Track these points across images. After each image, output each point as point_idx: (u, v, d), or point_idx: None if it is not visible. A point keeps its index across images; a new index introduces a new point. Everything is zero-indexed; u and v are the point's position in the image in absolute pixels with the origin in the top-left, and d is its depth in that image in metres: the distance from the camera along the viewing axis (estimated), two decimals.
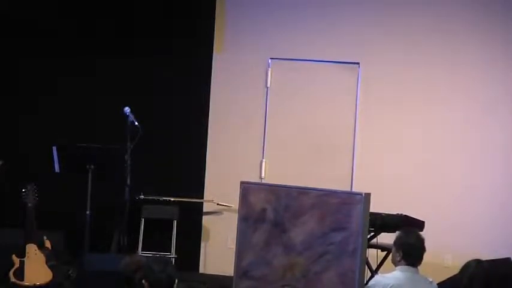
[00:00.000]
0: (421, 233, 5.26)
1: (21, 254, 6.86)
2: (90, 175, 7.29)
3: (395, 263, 5.10)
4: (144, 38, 8.55)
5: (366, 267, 6.19)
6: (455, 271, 4.14)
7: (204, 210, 8.58)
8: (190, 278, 7.99)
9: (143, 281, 3.82)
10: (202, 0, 8.63)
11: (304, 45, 8.41)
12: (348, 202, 5.52)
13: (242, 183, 6.04)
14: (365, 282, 5.55)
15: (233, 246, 6.09)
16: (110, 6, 8.58)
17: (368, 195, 5.56)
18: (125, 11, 8.60)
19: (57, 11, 8.59)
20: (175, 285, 3.88)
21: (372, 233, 6.82)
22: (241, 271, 5.91)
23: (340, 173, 8.24)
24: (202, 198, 8.52)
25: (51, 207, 7.81)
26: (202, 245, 8.56)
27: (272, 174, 8.36)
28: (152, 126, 7.86)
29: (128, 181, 7.29)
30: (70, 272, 7.14)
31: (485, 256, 4.20)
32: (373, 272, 6.72)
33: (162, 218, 8.21)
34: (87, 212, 7.23)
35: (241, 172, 7.99)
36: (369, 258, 6.50)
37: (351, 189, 8.08)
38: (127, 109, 7.41)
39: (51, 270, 6.89)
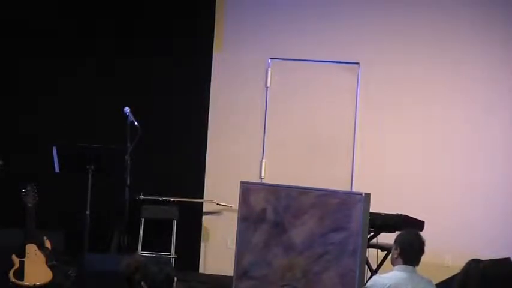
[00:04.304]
0: (421, 233, 5.24)
1: (21, 254, 6.85)
2: (90, 175, 7.29)
3: (393, 261, 5.10)
4: (144, 38, 8.55)
5: (366, 267, 6.19)
6: (455, 271, 4.12)
7: (204, 210, 8.58)
8: (190, 278, 7.99)
9: (142, 283, 3.82)
10: (202, 0, 8.62)
11: (304, 45, 8.41)
12: (348, 202, 5.53)
13: (242, 183, 6.05)
14: (365, 282, 5.55)
15: (233, 246, 6.10)
16: (110, 6, 8.59)
17: (368, 195, 5.57)
18: (124, 11, 8.60)
19: (57, 11, 8.60)
20: (174, 284, 3.88)
21: (372, 233, 6.82)
22: (241, 271, 5.91)
23: (340, 173, 8.24)
24: (202, 198, 8.52)
25: (51, 207, 7.81)
26: (202, 245, 8.56)
27: (272, 174, 8.36)
28: (152, 126, 7.87)
29: (128, 181, 7.28)
30: (70, 272, 7.14)
31: (485, 256, 4.17)
32: (373, 272, 6.72)
33: (162, 218, 8.21)
34: (87, 212, 7.23)
35: (241, 172, 7.99)
36: (368, 258, 6.51)
37: (351, 189, 8.08)
38: (127, 109, 7.41)
39: (51, 270, 6.88)
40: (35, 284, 6.81)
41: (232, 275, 6.04)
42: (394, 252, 5.07)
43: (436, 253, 7.17)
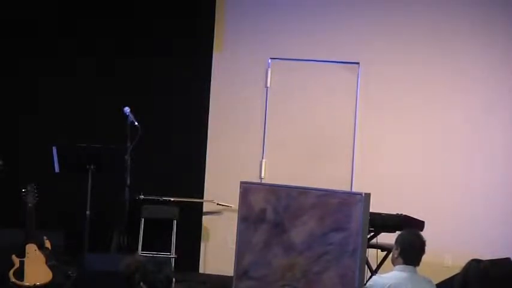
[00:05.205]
0: (421, 233, 5.24)
1: (21, 254, 6.85)
2: (90, 175, 7.30)
3: (394, 261, 5.10)
4: (144, 38, 8.55)
5: (366, 267, 6.19)
6: (455, 271, 4.13)
7: (204, 210, 8.58)
8: (190, 278, 8.00)
9: (141, 284, 3.82)
10: (202, 0, 8.63)
11: (304, 45, 8.41)
12: (348, 202, 5.53)
13: (242, 183, 6.05)
14: (365, 282, 5.55)
15: (233, 246, 6.10)
16: (110, 6, 8.58)
17: (368, 195, 5.57)
18: (125, 11, 8.60)
19: (57, 11, 8.60)
20: (173, 285, 3.88)
21: (372, 233, 6.82)
22: (241, 271, 5.91)
23: (340, 173, 8.24)
24: (202, 198, 8.52)
25: (51, 207, 7.81)
26: (202, 245, 8.56)
27: (272, 174, 8.36)
28: (152, 126, 7.87)
29: (128, 181, 7.29)
30: (70, 272, 7.14)
31: (485, 256, 4.19)
32: (373, 272, 6.72)
33: (162, 218, 8.20)
34: (87, 212, 7.24)
35: (241, 172, 7.99)
36: (368, 258, 6.50)
37: (351, 189, 8.08)
38: (127, 109, 7.42)
39: (51, 270, 6.88)
40: (35, 284, 6.81)
41: (232, 275, 6.04)
42: (395, 252, 5.07)
43: (436, 253, 7.17)
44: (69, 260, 7.42)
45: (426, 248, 5.07)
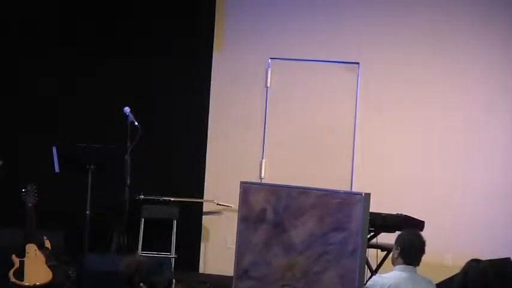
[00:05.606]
0: (421, 233, 5.25)
1: (21, 254, 6.85)
2: (90, 175, 7.30)
3: (394, 261, 5.11)
4: (144, 38, 8.55)
5: (366, 267, 6.19)
6: (455, 271, 4.13)
7: (204, 210, 8.58)
8: (190, 278, 7.99)
9: (141, 284, 3.82)
10: (202, 0, 8.63)
11: (304, 45, 8.41)
12: (348, 202, 5.53)
13: (242, 183, 6.04)
14: (365, 282, 5.55)
15: (233, 246, 6.09)
16: (110, 6, 8.59)
17: (368, 195, 5.57)
18: (125, 11, 8.60)
19: (57, 11, 8.60)
20: (173, 286, 3.88)
21: (372, 233, 6.82)
22: (241, 271, 5.91)
23: (340, 173, 8.24)
24: (202, 198, 8.52)
25: (51, 207, 7.81)
26: (202, 245, 8.56)
27: (272, 174, 8.36)
28: (152, 126, 7.87)
29: (128, 181, 7.29)
30: (70, 272, 7.14)
31: (485, 256, 4.19)
32: (373, 272, 6.72)
33: (162, 218, 8.20)
34: (87, 212, 7.23)
35: (241, 172, 7.99)
36: (368, 258, 6.51)
37: (351, 189, 8.08)
38: (127, 109, 7.42)
39: (51, 270, 6.89)
40: (35, 284, 6.81)
41: (232, 275, 6.04)
42: (395, 252, 5.08)
43: (436, 253, 7.17)
44: (69, 260, 7.42)
45: (426, 248, 5.08)
